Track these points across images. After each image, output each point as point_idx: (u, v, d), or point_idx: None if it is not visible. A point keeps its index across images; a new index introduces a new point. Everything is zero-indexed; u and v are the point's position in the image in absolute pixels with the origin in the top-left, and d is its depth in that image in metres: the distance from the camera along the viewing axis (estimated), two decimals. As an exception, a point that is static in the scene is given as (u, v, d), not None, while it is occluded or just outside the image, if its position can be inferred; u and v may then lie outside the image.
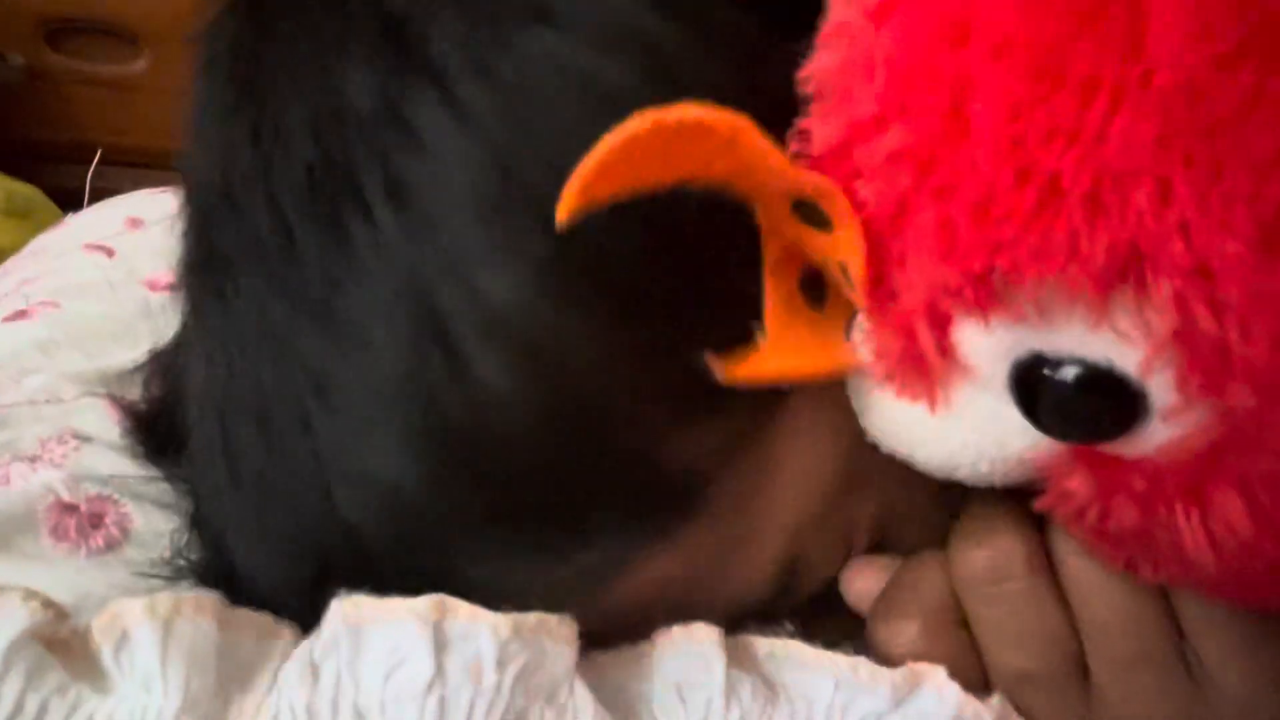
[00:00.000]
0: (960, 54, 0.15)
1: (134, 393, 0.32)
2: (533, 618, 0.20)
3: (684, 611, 0.22)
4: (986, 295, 0.15)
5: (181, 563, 0.26)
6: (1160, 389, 0.15)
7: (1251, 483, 0.15)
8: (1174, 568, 0.17)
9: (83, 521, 0.28)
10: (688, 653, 0.21)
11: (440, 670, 0.19)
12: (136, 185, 0.57)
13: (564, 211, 0.15)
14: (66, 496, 0.29)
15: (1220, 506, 0.15)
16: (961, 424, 0.17)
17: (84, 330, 0.35)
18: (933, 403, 0.17)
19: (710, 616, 0.22)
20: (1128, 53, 0.13)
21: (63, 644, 0.20)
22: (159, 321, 0.29)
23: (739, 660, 0.21)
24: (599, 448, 0.19)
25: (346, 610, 0.20)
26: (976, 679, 0.21)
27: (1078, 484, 0.17)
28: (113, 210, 0.48)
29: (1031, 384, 0.16)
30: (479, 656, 0.19)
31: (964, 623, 0.21)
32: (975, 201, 0.14)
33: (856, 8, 0.16)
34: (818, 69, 0.17)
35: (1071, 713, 0.21)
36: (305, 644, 0.21)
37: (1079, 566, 0.20)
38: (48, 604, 0.20)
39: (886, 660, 0.22)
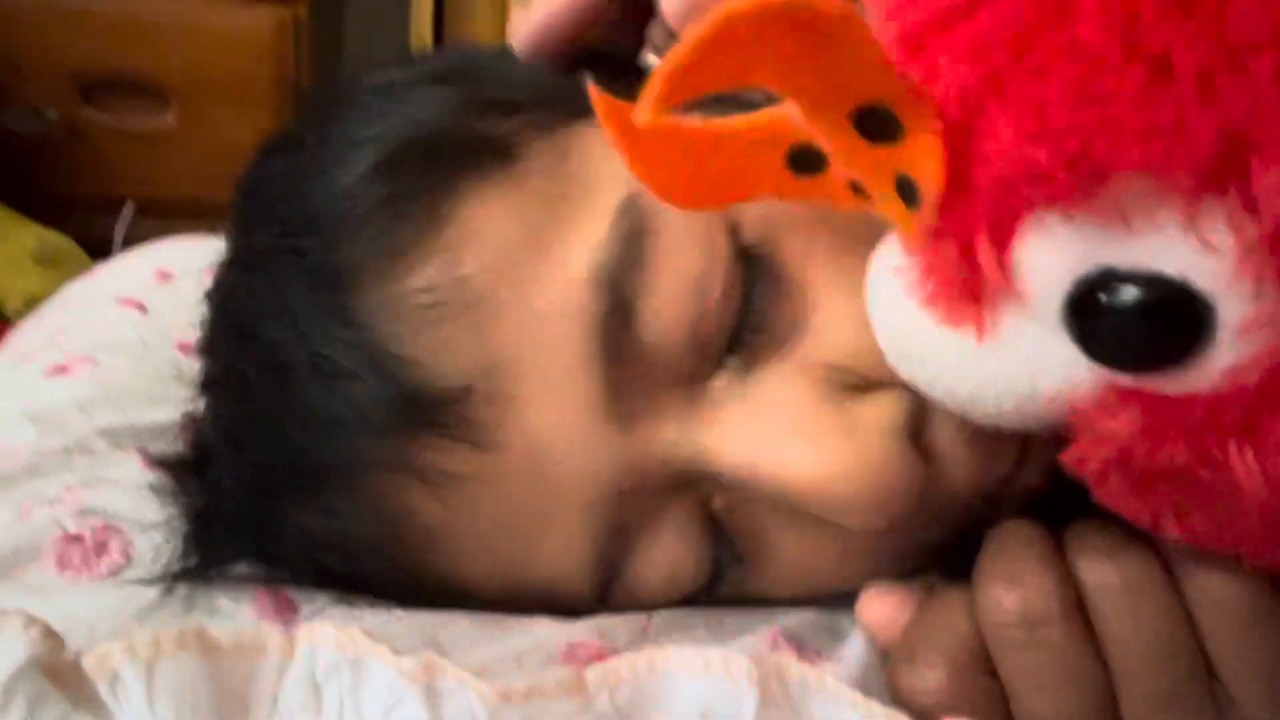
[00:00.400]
0: None
1: (164, 449, 0.33)
2: (521, 685, 0.20)
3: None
4: (1075, 184, 0.14)
5: (185, 567, 0.27)
6: (1235, 303, 0.14)
7: None
8: (1204, 517, 0.16)
9: (88, 550, 0.29)
10: (715, 679, 0.21)
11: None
12: (165, 233, 0.59)
13: (648, 108, 0.15)
14: (73, 529, 0.29)
15: (1277, 438, 0.14)
16: (999, 354, 0.16)
17: (120, 389, 0.37)
18: (980, 327, 0.16)
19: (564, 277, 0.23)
20: None
21: (63, 673, 0.20)
22: (191, 385, 0.30)
23: (769, 689, 0.21)
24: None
25: (342, 641, 0.21)
26: None
27: (1122, 423, 0.15)
28: (142, 261, 0.49)
29: (1091, 307, 0.15)
30: (473, 714, 0.20)
31: (991, 670, 0.21)
32: (1076, 79, 0.13)
33: None
34: None
35: None
36: (299, 665, 0.21)
37: (1112, 606, 0.20)
38: (48, 632, 0.20)
39: (909, 708, 0.21)
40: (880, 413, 0.23)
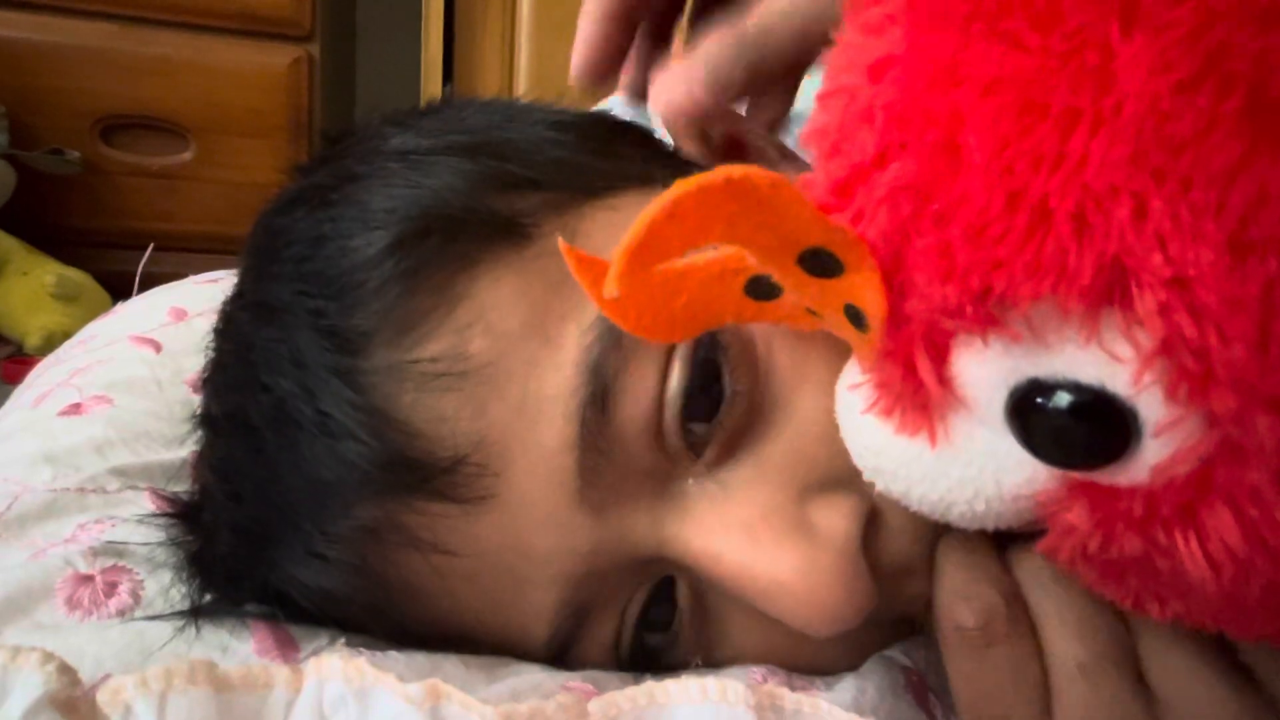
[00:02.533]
0: (952, 95, 0.16)
1: (175, 487, 0.33)
2: (524, 708, 0.20)
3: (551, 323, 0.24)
4: (984, 314, 0.16)
5: (189, 605, 0.28)
6: (1150, 406, 0.15)
7: (1240, 498, 0.15)
8: (1179, 600, 0.17)
9: (97, 591, 0.30)
10: (713, 706, 0.22)
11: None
12: (182, 268, 0.60)
13: (614, 281, 0.17)
14: (84, 569, 0.30)
15: (1214, 525, 0.15)
16: (959, 460, 0.18)
17: (134, 429, 0.38)
18: (932, 435, 0.18)
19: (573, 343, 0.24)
20: (1101, 85, 0.15)
21: (77, 707, 0.20)
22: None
23: (765, 715, 0.22)
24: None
25: (349, 673, 0.21)
26: None
27: (1077, 516, 0.17)
28: (158, 300, 0.50)
29: (1028, 412, 0.16)
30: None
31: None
32: (971, 226, 0.15)
33: (854, 70, 0.18)
34: (816, 127, 0.18)
35: None
36: (306, 698, 0.21)
37: (1038, 585, 0.21)
38: (64, 668, 0.21)
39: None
40: (838, 522, 0.24)
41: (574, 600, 0.25)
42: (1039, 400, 0.16)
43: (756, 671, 0.26)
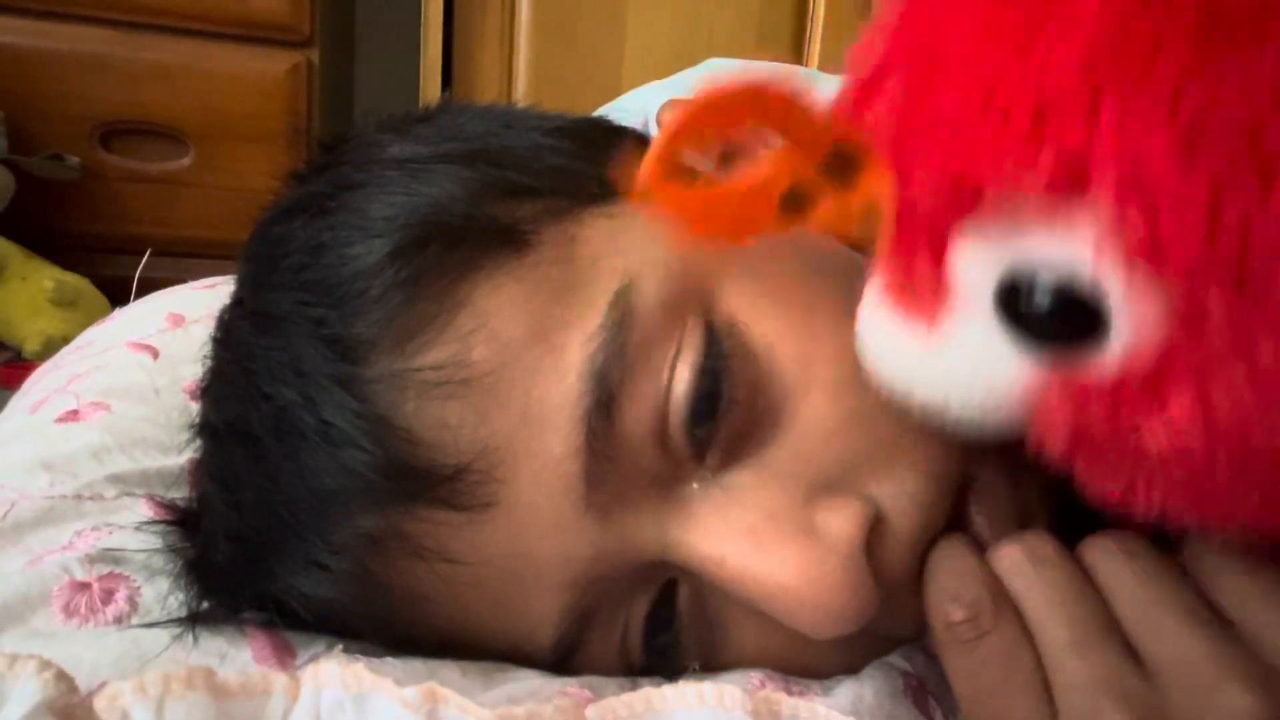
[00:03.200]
0: (938, 13, 0.19)
1: (172, 493, 0.33)
2: (521, 711, 0.20)
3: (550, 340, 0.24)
4: (966, 202, 0.18)
5: (187, 612, 0.28)
6: (1113, 288, 0.17)
7: (1200, 376, 0.16)
8: (1162, 487, 0.18)
9: (94, 598, 0.29)
10: (709, 711, 0.22)
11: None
12: (180, 273, 0.60)
13: (653, 162, 0.21)
14: (80, 576, 0.30)
15: (1178, 403, 0.17)
16: (955, 353, 0.19)
17: (131, 436, 0.37)
18: (931, 320, 0.20)
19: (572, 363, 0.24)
20: (1059, 9, 0.17)
21: (75, 715, 0.20)
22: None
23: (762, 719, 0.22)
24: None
25: (347, 679, 0.21)
26: None
27: (1057, 403, 0.18)
28: (156, 305, 0.50)
29: (1011, 298, 0.18)
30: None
31: None
32: (953, 125, 0.18)
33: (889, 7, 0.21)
34: (847, 55, 0.21)
35: None
36: (303, 704, 0.22)
37: (1019, 572, 0.23)
38: (61, 676, 0.21)
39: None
40: (842, 525, 0.24)
41: (579, 605, 0.25)
42: (1020, 287, 0.18)
43: (754, 676, 0.26)
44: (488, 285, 0.24)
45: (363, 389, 0.24)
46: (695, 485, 0.25)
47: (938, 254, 0.19)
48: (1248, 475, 0.17)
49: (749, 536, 0.24)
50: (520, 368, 0.24)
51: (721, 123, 0.20)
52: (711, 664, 0.27)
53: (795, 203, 0.22)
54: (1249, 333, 0.16)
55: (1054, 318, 0.18)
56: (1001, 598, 0.23)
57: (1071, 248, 0.17)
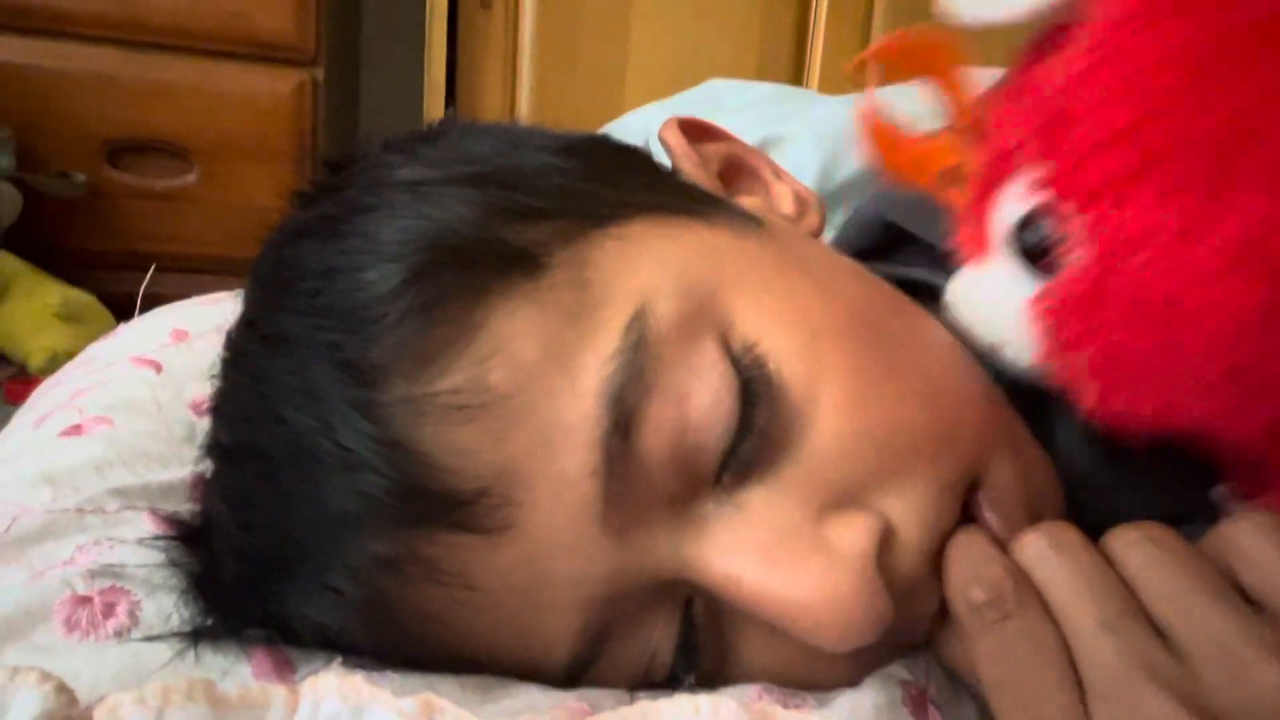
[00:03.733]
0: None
1: (174, 507, 0.33)
2: None
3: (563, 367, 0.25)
4: (1006, 166, 0.25)
5: (189, 629, 0.28)
6: (1066, 221, 0.24)
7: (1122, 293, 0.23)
8: (1124, 384, 0.24)
9: (95, 612, 0.29)
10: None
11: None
12: (186, 289, 0.60)
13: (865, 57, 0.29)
14: (82, 590, 0.30)
15: (1113, 310, 0.23)
16: (995, 281, 0.26)
17: (134, 450, 0.37)
18: (979, 259, 0.27)
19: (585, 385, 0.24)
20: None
21: None
22: (201, 446, 0.30)
23: None
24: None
25: (344, 691, 0.21)
26: None
27: (1045, 315, 0.25)
28: (160, 321, 0.51)
29: (1021, 233, 0.25)
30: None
31: None
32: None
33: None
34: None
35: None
36: (303, 715, 0.21)
37: (1043, 560, 0.24)
38: (61, 688, 0.21)
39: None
40: (854, 540, 0.25)
41: (595, 623, 0.25)
42: (1027, 225, 0.25)
43: (752, 689, 0.26)
44: (503, 309, 0.24)
45: (379, 413, 0.24)
46: (710, 504, 0.25)
47: (987, 203, 0.26)
48: (1167, 368, 0.23)
49: (763, 554, 0.24)
50: (537, 391, 0.24)
51: (913, 63, 0.28)
52: (722, 677, 0.27)
53: (950, 178, 0.29)
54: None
55: (1037, 244, 0.25)
56: (1023, 579, 0.23)
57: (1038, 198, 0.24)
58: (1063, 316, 0.24)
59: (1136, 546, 0.23)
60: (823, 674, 0.27)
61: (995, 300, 0.26)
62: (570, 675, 0.26)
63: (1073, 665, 0.22)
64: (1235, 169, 0.21)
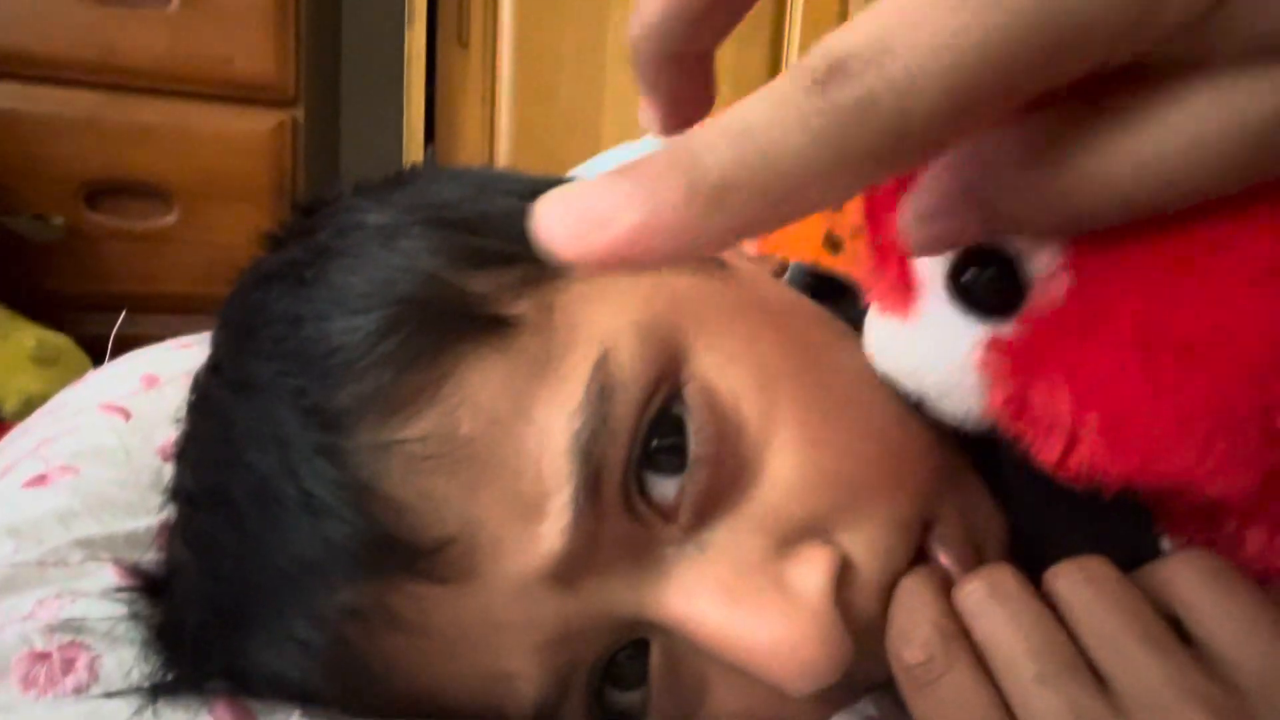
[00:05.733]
0: None
1: (140, 556, 0.33)
2: None
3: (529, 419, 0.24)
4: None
5: (150, 683, 0.28)
6: (1030, 260, 0.20)
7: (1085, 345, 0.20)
8: (1085, 442, 0.21)
9: (54, 668, 0.29)
10: None
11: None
12: (165, 330, 0.60)
13: None
14: (40, 646, 0.29)
15: (1091, 368, 0.20)
16: (926, 333, 0.23)
17: (100, 499, 0.37)
18: (905, 311, 0.23)
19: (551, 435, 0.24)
20: None
21: None
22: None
23: None
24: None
25: None
26: None
27: (998, 362, 0.22)
28: (129, 366, 0.50)
29: (959, 275, 0.22)
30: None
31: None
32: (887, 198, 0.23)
33: None
34: None
35: None
36: None
37: (981, 609, 0.23)
38: None
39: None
40: (813, 579, 0.25)
41: (557, 665, 0.25)
42: (964, 268, 0.22)
43: None
44: (471, 357, 0.24)
45: (345, 459, 0.24)
46: (670, 545, 0.25)
47: (903, 259, 0.23)
48: (1136, 430, 0.20)
49: (724, 595, 0.24)
50: (506, 443, 0.24)
51: None
52: (687, 718, 0.27)
53: (832, 244, 0.29)
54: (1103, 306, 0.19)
55: (990, 282, 0.21)
56: (953, 636, 0.23)
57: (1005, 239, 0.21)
58: (1026, 361, 0.21)
59: (1074, 587, 0.23)
60: (788, 714, 0.27)
61: (929, 350, 0.23)
62: (540, 717, 0.26)
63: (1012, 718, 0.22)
64: None
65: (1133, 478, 0.21)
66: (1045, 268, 0.20)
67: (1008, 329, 0.21)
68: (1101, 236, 0.18)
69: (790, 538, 0.25)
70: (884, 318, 0.24)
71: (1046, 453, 0.22)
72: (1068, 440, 0.21)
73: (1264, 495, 0.20)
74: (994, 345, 0.22)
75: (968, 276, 0.21)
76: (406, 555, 0.24)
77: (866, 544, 0.25)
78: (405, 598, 0.24)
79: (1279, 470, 0.19)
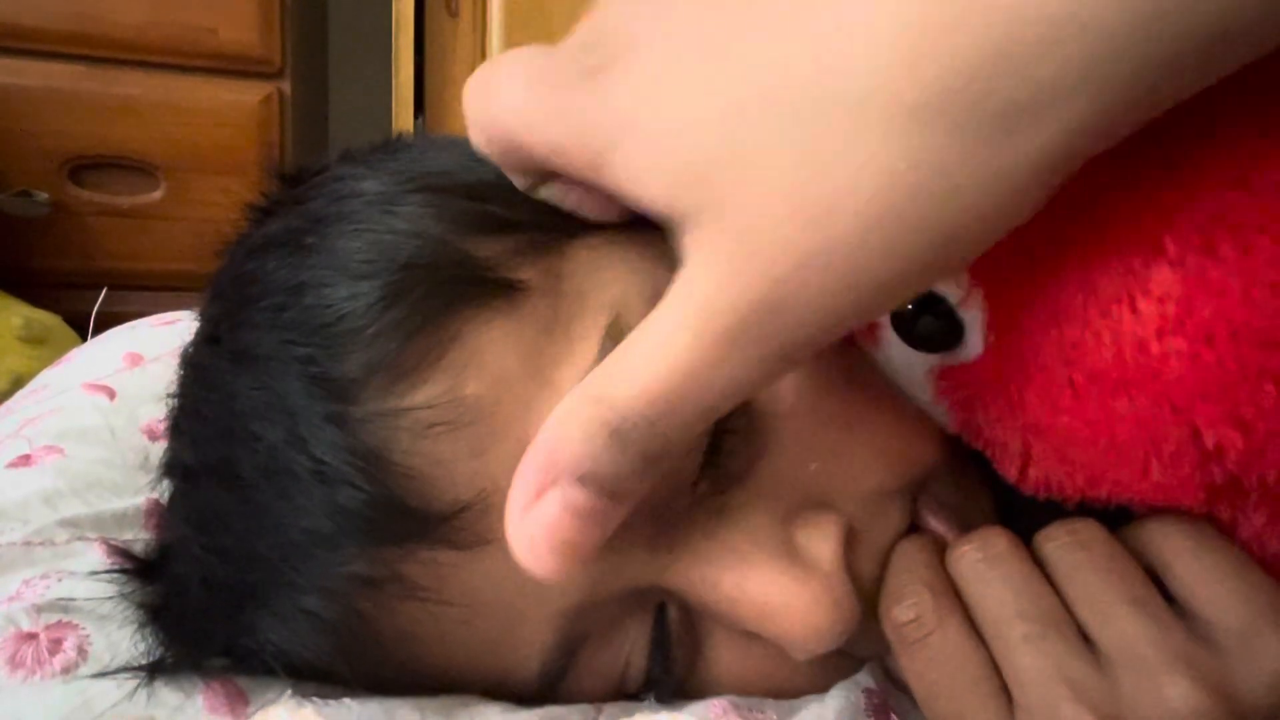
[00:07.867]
0: None
1: (127, 536, 0.33)
2: None
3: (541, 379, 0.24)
4: None
5: (144, 663, 0.27)
6: (966, 310, 0.22)
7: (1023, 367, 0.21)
8: (1038, 457, 0.23)
9: (41, 649, 0.29)
10: None
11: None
12: (152, 307, 0.59)
13: None
14: (27, 626, 0.29)
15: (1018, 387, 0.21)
16: (891, 362, 0.25)
17: (86, 479, 0.37)
18: (872, 341, 0.25)
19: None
20: None
21: None
22: (156, 469, 0.29)
23: None
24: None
25: None
26: None
27: (950, 390, 0.23)
28: (113, 344, 0.50)
29: (906, 319, 0.23)
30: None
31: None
32: None
33: None
34: None
35: None
36: None
37: (971, 570, 0.24)
38: None
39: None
40: (824, 544, 0.25)
41: (569, 634, 0.25)
42: (908, 312, 0.23)
43: (716, 704, 0.26)
44: (477, 322, 0.24)
45: (355, 426, 0.23)
46: (687, 511, 0.25)
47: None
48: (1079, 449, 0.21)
49: (738, 559, 0.25)
50: (515, 404, 0.24)
51: None
52: (691, 686, 0.27)
53: None
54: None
55: (932, 327, 0.23)
56: (943, 595, 0.24)
57: (946, 287, 0.22)
58: (972, 393, 0.23)
59: (1062, 550, 0.23)
60: (788, 681, 0.27)
61: (898, 374, 0.25)
62: (543, 686, 0.26)
63: (1001, 680, 0.22)
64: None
65: (1086, 493, 0.22)
66: (971, 313, 0.21)
67: (953, 359, 0.23)
68: (1017, 281, 0.20)
69: (800, 505, 0.26)
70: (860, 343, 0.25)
71: (1006, 469, 0.23)
72: (1021, 461, 0.22)
73: (1212, 507, 0.21)
74: (944, 375, 0.23)
75: (904, 318, 0.23)
76: (422, 522, 0.23)
77: (870, 511, 0.26)
78: (421, 565, 0.24)
79: (1221, 485, 0.20)
